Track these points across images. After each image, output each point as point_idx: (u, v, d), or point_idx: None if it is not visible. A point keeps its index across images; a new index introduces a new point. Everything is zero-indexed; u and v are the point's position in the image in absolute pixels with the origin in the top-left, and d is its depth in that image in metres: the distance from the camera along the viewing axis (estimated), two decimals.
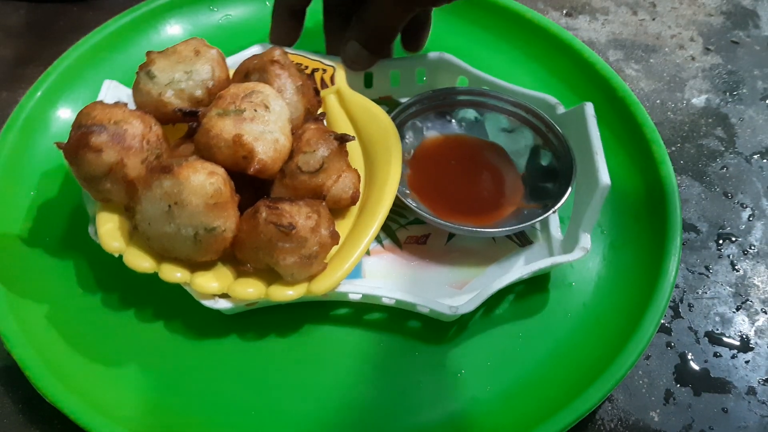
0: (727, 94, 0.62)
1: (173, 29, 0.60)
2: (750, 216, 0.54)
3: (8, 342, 0.42)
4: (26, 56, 0.61)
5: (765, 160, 0.57)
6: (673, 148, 0.57)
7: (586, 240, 0.45)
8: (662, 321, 0.44)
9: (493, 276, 0.47)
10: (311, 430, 0.41)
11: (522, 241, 0.49)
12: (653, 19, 0.68)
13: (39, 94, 0.52)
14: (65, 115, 0.53)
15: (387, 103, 0.55)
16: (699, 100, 0.61)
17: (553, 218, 0.50)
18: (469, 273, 0.48)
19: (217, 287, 0.41)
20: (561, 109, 0.51)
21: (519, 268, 0.46)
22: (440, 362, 0.44)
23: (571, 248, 0.46)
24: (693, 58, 0.65)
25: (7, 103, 0.57)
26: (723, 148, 0.58)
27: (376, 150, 0.47)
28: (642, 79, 0.63)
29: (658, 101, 0.61)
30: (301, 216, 0.39)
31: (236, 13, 0.62)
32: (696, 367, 0.46)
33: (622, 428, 0.43)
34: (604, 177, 0.44)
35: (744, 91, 0.62)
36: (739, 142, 0.58)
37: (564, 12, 0.67)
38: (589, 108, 0.48)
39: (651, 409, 0.44)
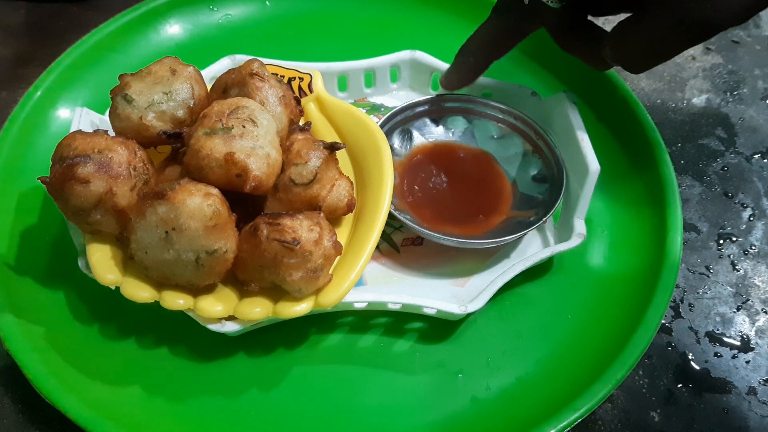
0: (728, 93, 0.62)
1: (173, 29, 0.60)
2: (750, 216, 0.54)
3: (7, 341, 0.42)
4: (26, 56, 0.61)
5: (765, 160, 0.57)
6: (674, 148, 0.57)
7: (581, 226, 0.46)
8: (663, 321, 0.44)
9: (493, 270, 0.47)
10: None
11: None
12: None
13: (39, 93, 0.52)
14: (65, 114, 0.53)
15: (362, 105, 0.56)
16: (699, 100, 0.61)
17: None
18: (469, 270, 0.48)
19: (222, 310, 0.40)
20: (538, 99, 0.51)
21: (519, 260, 0.46)
22: (440, 362, 0.44)
23: (566, 236, 0.46)
24: (693, 58, 0.64)
25: (6, 103, 0.57)
26: (723, 148, 0.58)
27: (365, 154, 0.47)
28: (642, 79, 0.62)
29: (658, 101, 0.61)
30: (303, 229, 0.38)
31: (236, 12, 0.62)
32: (696, 367, 0.46)
33: (622, 428, 0.43)
34: (593, 163, 0.45)
35: (744, 90, 0.62)
36: (739, 142, 0.58)
37: None
38: (569, 95, 0.48)
39: (651, 409, 0.44)
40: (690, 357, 0.46)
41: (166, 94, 0.42)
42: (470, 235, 0.47)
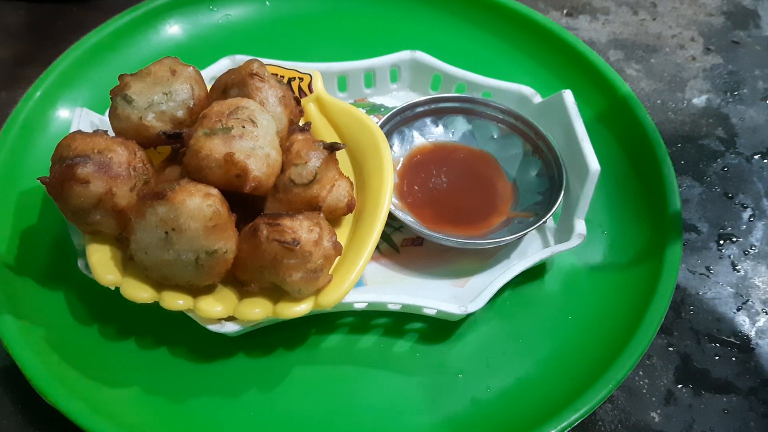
0: (728, 94, 0.62)
1: (173, 29, 0.60)
2: (751, 216, 0.54)
3: (7, 342, 0.42)
4: (26, 56, 0.61)
5: (766, 161, 0.57)
6: (674, 149, 0.57)
7: (581, 226, 0.46)
8: (663, 321, 0.44)
9: (493, 271, 0.47)
10: None
11: None
12: (654, 19, 0.68)
13: (38, 94, 0.52)
14: (64, 114, 0.53)
15: (362, 105, 0.55)
16: (700, 100, 0.61)
17: None
18: (469, 270, 0.48)
19: (221, 311, 0.40)
20: (538, 99, 0.51)
21: (519, 260, 0.46)
22: (440, 363, 0.44)
23: (566, 236, 0.46)
24: (694, 58, 0.64)
25: (6, 103, 0.57)
26: (724, 149, 0.58)
27: (365, 155, 0.47)
28: (642, 79, 0.62)
29: (658, 101, 0.61)
30: (303, 230, 0.38)
31: (236, 12, 0.62)
32: (697, 368, 0.46)
33: (622, 429, 0.43)
34: (593, 163, 0.45)
35: (745, 91, 0.62)
36: (739, 143, 0.58)
37: (564, 12, 0.67)
38: (568, 95, 0.48)
39: (652, 409, 0.44)
40: (690, 357, 0.46)
41: (166, 94, 0.42)
42: (470, 236, 0.47)
